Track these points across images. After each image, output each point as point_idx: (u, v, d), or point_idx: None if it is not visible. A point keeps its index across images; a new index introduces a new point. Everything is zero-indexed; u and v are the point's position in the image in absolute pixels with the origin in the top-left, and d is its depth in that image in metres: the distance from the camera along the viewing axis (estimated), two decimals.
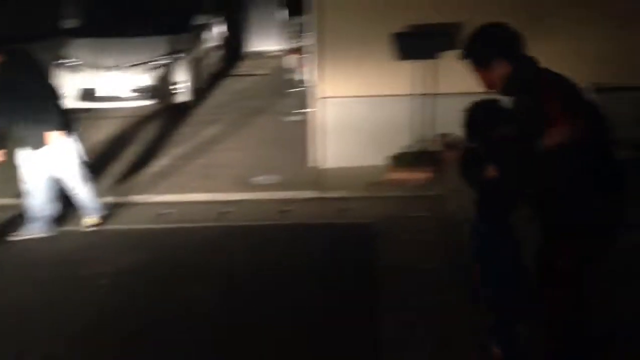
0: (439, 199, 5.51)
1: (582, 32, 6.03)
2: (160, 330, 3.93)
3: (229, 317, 4.03)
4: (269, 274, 4.56)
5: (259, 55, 12.88)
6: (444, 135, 6.11)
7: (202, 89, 9.72)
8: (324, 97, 6.33)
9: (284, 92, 9.38)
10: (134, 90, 8.60)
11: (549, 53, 5.81)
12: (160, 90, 8.67)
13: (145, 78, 8.63)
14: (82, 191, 5.38)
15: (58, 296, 4.39)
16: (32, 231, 5.32)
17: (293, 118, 8.17)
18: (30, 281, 4.62)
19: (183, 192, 6.11)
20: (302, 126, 7.09)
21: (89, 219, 5.48)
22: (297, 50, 9.08)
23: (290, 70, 9.42)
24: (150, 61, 8.70)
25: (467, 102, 6.18)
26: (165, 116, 8.78)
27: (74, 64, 8.69)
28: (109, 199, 5.91)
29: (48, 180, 5.27)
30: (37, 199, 5.29)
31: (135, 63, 8.68)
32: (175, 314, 4.10)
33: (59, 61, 8.68)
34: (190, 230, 5.40)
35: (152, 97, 8.67)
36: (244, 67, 12.07)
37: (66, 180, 5.32)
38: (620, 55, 6.01)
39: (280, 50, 12.18)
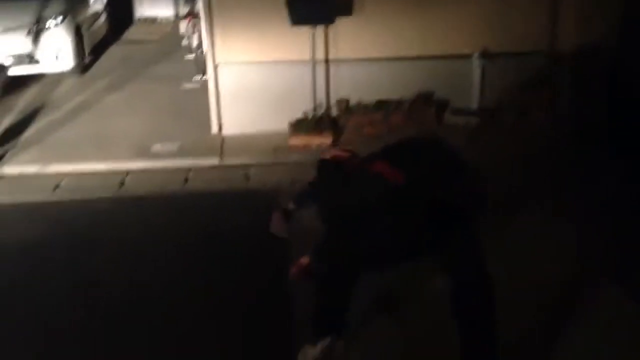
0: None
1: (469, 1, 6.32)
2: (60, 306, 3.81)
3: (134, 290, 3.97)
4: (176, 243, 4.50)
5: (152, 20, 12.45)
6: (341, 101, 6.29)
7: (89, 55, 9.29)
8: (219, 63, 6.26)
9: (181, 58, 9.17)
10: (11, 56, 8.10)
11: (437, 22, 6.14)
12: (40, 56, 8.23)
13: (22, 43, 8.15)
14: None
15: None
16: None
17: (192, 85, 8.03)
18: None
19: (78, 162, 5.88)
20: (202, 93, 6.98)
21: None
22: (190, 15, 8.87)
23: (186, 36, 9.20)
24: (27, 26, 8.20)
25: (364, 67, 6.36)
26: (50, 84, 8.37)
27: None
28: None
29: None
30: None
31: (10, 27, 8.16)
32: (75, 289, 3.99)
33: None
34: (88, 202, 5.22)
35: (30, 64, 8.22)
36: (135, 33, 11.63)
37: None
38: (507, 22, 6.35)
39: (175, 15, 11.86)
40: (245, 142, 6.18)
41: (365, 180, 2.69)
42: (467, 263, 2.75)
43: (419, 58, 6.30)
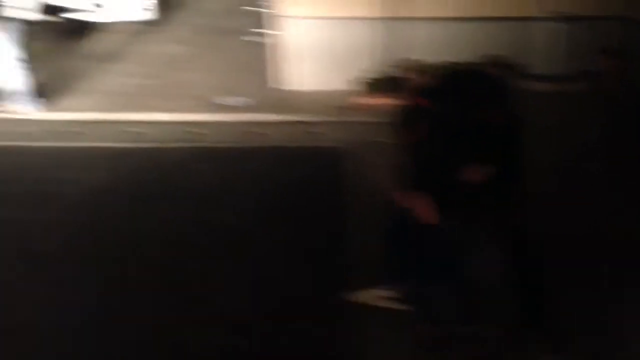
0: None
1: None
2: (134, 249, 3.98)
3: (200, 236, 4.12)
4: (239, 195, 4.63)
5: None
6: (408, 60, 6.18)
7: (158, 5, 9.37)
8: (284, 17, 6.25)
9: (244, 10, 9.16)
10: (95, 5, 8.30)
11: None
12: (110, 5, 8.39)
13: None
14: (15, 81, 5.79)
15: (24, 213, 4.36)
16: None
17: (253, 38, 8.04)
18: None
19: (146, 110, 6.03)
20: (263, 46, 7.00)
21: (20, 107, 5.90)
22: None
23: None
24: None
25: (436, 28, 6.21)
26: (125, 33, 8.53)
27: None
28: (68, 116, 5.87)
29: None
30: None
31: None
32: (147, 233, 4.15)
33: None
34: (157, 150, 5.39)
35: (100, 12, 8.38)
36: None
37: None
38: None
39: None
40: (307, 99, 6.20)
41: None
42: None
43: (488, 19, 6.14)
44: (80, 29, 8.40)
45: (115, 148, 5.44)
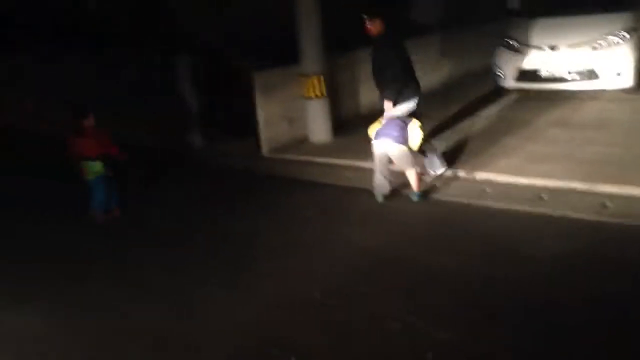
0: None
1: None
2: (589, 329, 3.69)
3: None
4: None
5: None
6: None
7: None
8: None
9: None
10: (576, 72, 8.17)
11: None
12: (601, 72, 8.04)
13: (585, 59, 8.12)
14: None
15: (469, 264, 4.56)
16: (434, 169, 6.21)
17: None
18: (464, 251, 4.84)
19: (618, 183, 5.45)
20: None
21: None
22: None
23: None
24: (592, 41, 8.13)
25: None
26: (602, 100, 8.19)
27: (514, 44, 8.68)
28: (531, 181, 5.84)
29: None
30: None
31: (575, 42, 8.21)
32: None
33: (503, 41, 8.80)
34: (630, 228, 4.84)
35: (591, 79, 8.12)
36: None
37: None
38: None
39: None
40: None
41: None
42: None
43: None
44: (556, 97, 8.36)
45: (588, 220, 5.06)
